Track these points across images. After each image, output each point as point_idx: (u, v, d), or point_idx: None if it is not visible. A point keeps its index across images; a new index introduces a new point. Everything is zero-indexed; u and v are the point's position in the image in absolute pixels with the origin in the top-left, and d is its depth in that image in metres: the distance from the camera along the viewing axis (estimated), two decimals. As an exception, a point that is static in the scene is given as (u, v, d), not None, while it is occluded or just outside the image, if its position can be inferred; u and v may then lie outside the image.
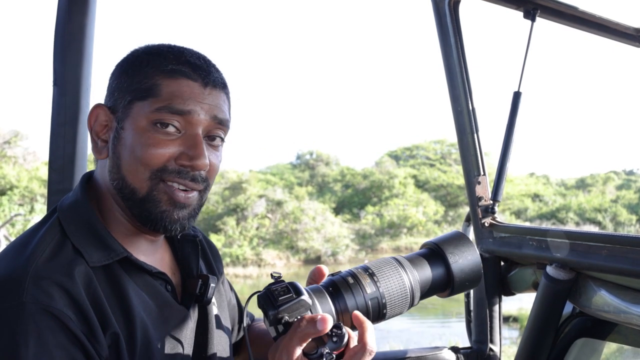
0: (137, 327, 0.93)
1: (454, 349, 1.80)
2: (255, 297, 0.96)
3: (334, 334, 0.89)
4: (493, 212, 1.76)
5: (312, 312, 0.91)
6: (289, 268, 21.35)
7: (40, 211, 18.21)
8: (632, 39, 1.72)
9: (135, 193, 0.97)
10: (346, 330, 0.89)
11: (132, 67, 0.99)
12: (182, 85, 0.97)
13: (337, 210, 28.31)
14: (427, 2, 1.75)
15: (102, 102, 1.02)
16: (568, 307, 1.58)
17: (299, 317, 0.89)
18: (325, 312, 0.93)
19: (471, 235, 1.83)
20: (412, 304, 1.04)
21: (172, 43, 1.04)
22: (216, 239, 22.40)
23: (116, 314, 0.92)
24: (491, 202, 1.75)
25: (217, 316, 1.12)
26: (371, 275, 1.00)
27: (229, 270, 19.34)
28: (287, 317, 0.89)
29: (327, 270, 1.01)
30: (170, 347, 0.98)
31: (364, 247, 24.97)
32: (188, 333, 1.03)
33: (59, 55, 1.45)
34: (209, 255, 1.22)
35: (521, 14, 1.65)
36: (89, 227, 0.96)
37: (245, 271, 20.22)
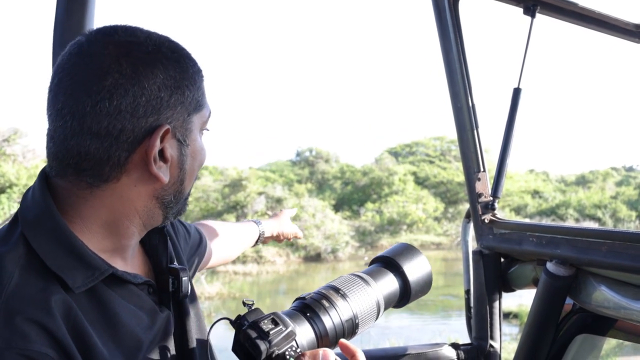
0: (134, 350, 0.86)
1: (454, 345, 1.81)
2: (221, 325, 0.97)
3: None
4: (493, 209, 1.76)
5: (296, 341, 0.93)
6: (289, 265, 21.35)
7: (40, 209, 18.13)
8: (632, 35, 1.72)
9: (184, 195, 0.94)
10: None
11: (184, 79, 0.86)
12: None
13: (337, 207, 28.31)
14: (426, -1, 1.75)
15: (160, 121, 0.84)
16: (568, 303, 1.58)
17: (286, 347, 0.91)
18: (307, 338, 0.97)
19: (471, 232, 1.83)
20: (377, 318, 1.11)
21: (167, 35, 0.90)
22: (216, 237, 22.35)
23: (106, 340, 0.82)
24: (491, 198, 1.76)
25: (192, 309, 1.05)
26: (343, 296, 1.05)
27: (228, 268, 19.34)
28: (277, 351, 0.90)
29: None
30: (161, 354, 0.93)
31: (364, 244, 24.99)
32: (171, 333, 0.97)
33: (57, 53, 1.44)
34: (175, 242, 1.12)
35: (521, 10, 1.65)
36: (64, 244, 0.82)
37: (245, 268, 20.17)
